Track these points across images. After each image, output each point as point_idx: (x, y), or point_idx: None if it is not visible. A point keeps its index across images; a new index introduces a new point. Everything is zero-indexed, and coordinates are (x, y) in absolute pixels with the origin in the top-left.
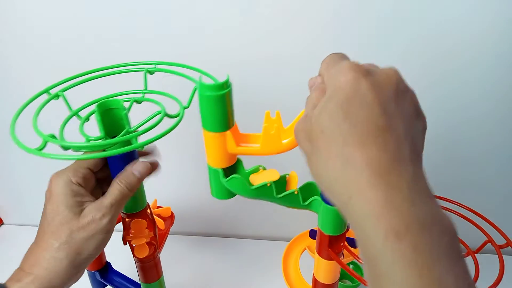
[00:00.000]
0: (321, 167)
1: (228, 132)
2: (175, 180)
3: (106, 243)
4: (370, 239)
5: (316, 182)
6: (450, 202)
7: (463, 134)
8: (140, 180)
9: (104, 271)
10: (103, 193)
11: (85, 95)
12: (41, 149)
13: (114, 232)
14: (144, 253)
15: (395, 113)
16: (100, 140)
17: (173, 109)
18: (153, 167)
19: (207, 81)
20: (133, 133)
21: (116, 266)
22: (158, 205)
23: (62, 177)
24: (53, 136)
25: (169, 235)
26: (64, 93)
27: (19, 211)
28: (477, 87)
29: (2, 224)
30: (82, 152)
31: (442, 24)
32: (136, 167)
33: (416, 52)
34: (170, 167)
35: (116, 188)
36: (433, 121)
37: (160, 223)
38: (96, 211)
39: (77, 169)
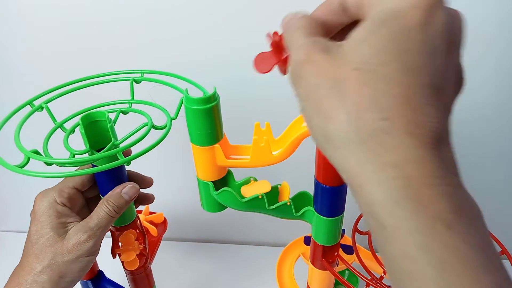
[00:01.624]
0: (337, 119)
1: (217, 146)
2: (167, 185)
3: (91, 265)
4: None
5: (313, 136)
6: None
7: (460, 143)
8: (128, 202)
9: (96, 280)
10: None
11: (70, 105)
12: (23, 166)
13: (105, 238)
14: (135, 265)
15: (450, 70)
16: (86, 154)
17: (160, 119)
18: (149, 200)
19: (195, 92)
20: (119, 147)
21: (108, 274)
22: (150, 211)
23: (47, 197)
24: (36, 152)
25: (162, 242)
26: (48, 104)
27: (12, 217)
28: (479, 92)
29: None
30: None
31: None
32: (125, 190)
33: None
34: (161, 172)
35: (103, 209)
36: None
37: (152, 230)
38: (81, 233)
39: (62, 189)
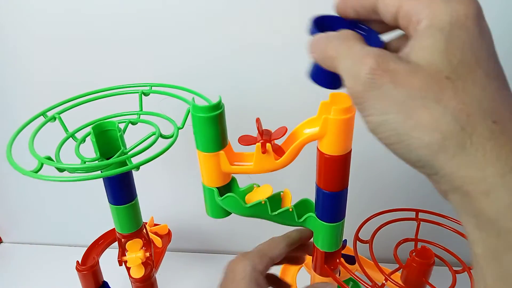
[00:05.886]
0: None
1: (221, 152)
2: (172, 198)
3: None
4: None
5: (408, 150)
6: (446, 218)
7: None
8: None
9: None
10: None
11: (81, 116)
12: (37, 171)
13: (109, 249)
14: (140, 273)
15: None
16: (96, 162)
17: (168, 129)
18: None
19: (201, 102)
20: (128, 154)
21: (112, 284)
22: (155, 222)
23: (250, 263)
24: (49, 158)
25: (166, 252)
26: (60, 115)
27: (18, 229)
28: None
29: (1, 242)
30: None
31: None
32: None
33: None
34: (166, 184)
35: None
36: None
37: (157, 241)
38: None
39: (262, 257)
